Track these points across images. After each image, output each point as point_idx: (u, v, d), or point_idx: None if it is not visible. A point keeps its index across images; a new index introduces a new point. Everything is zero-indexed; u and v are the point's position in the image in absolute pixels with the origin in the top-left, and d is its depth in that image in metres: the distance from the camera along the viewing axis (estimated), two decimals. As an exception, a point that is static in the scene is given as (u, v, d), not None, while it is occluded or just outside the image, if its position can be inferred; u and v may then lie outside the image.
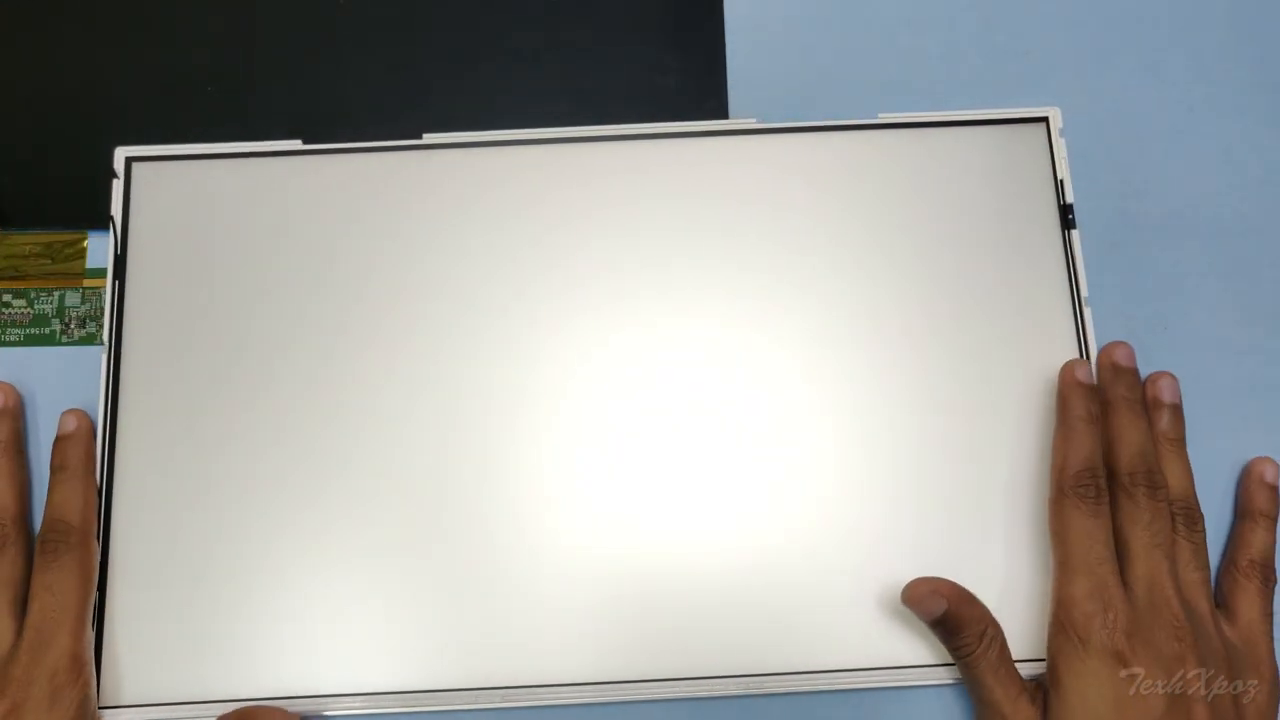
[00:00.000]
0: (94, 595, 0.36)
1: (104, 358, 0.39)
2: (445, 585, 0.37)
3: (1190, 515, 0.37)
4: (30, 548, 0.37)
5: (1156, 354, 0.41)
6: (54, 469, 0.37)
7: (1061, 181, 0.41)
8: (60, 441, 0.38)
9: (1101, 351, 0.39)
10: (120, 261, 0.40)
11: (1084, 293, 0.40)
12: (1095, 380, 0.38)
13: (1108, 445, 0.37)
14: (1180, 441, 0.38)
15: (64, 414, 0.38)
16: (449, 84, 0.43)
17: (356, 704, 0.36)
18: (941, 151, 0.41)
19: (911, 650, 0.37)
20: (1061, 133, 0.41)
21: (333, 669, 0.36)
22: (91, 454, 0.38)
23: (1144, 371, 0.39)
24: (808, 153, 0.41)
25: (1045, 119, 0.42)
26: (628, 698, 0.36)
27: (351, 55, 0.43)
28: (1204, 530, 0.37)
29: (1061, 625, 0.35)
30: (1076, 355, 0.39)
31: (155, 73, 0.43)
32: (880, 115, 0.42)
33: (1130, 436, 0.37)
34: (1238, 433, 0.40)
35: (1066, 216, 0.41)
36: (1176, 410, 0.38)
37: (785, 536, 0.38)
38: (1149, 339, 0.41)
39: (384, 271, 0.40)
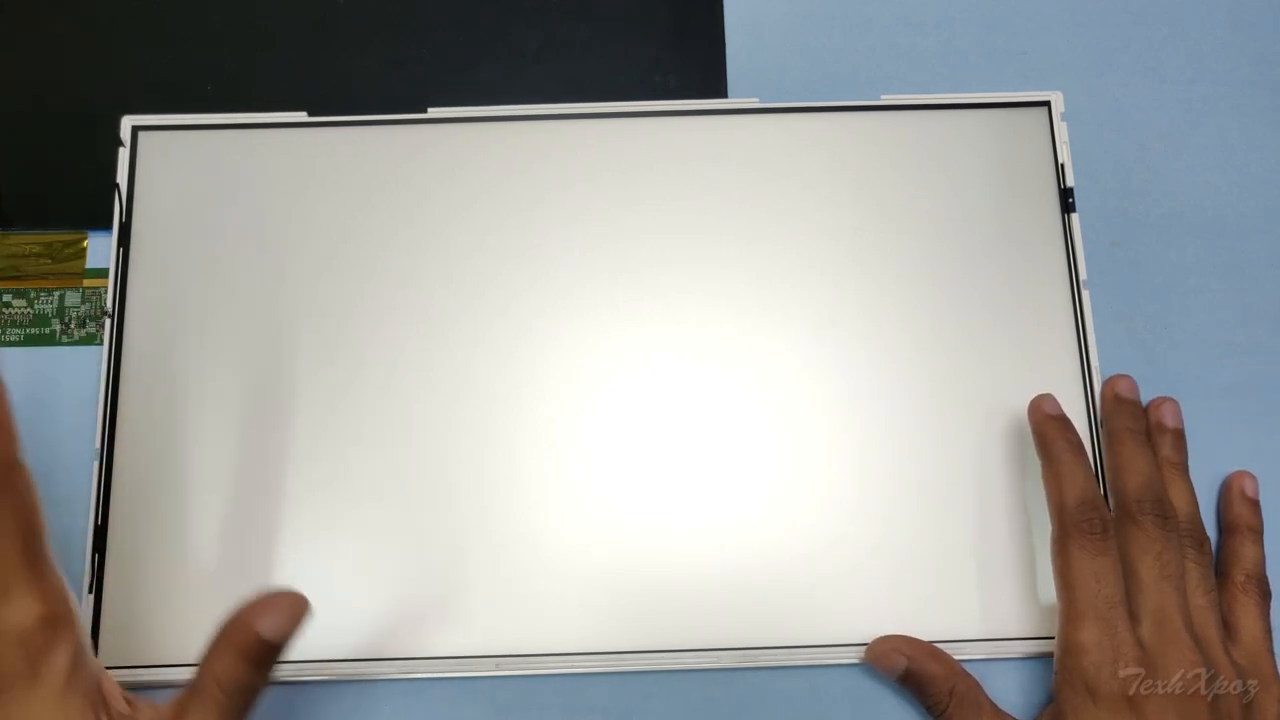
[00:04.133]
0: (43, 530, 0.29)
1: (107, 326, 0.39)
2: (446, 563, 0.37)
3: (1197, 538, 0.36)
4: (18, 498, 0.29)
5: (1157, 353, 0.41)
6: None
7: (1062, 165, 0.41)
8: None
9: (1104, 384, 0.39)
10: (125, 230, 0.40)
11: (1083, 276, 0.40)
12: (1065, 411, 0.37)
13: (1113, 475, 0.37)
14: (1183, 466, 0.38)
15: None
16: (448, 83, 0.43)
17: (356, 669, 0.36)
18: (943, 135, 0.41)
19: (905, 630, 0.37)
20: (1064, 116, 0.42)
21: (332, 637, 0.37)
22: None
23: (1143, 371, 0.40)
24: (808, 133, 0.41)
25: (1047, 103, 0.42)
26: (619, 668, 0.37)
27: (350, 55, 0.43)
28: (1211, 554, 0.37)
29: (1070, 676, 0.34)
30: (1075, 339, 0.39)
31: (155, 73, 0.43)
32: (883, 96, 0.42)
33: (1137, 465, 0.36)
34: (1239, 432, 0.40)
35: (1067, 200, 0.41)
36: (1179, 435, 0.38)
37: (788, 525, 0.38)
38: (1149, 338, 0.41)
39: (389, 252, 0.40)
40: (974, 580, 0.37)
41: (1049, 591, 0.37)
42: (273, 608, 0.30)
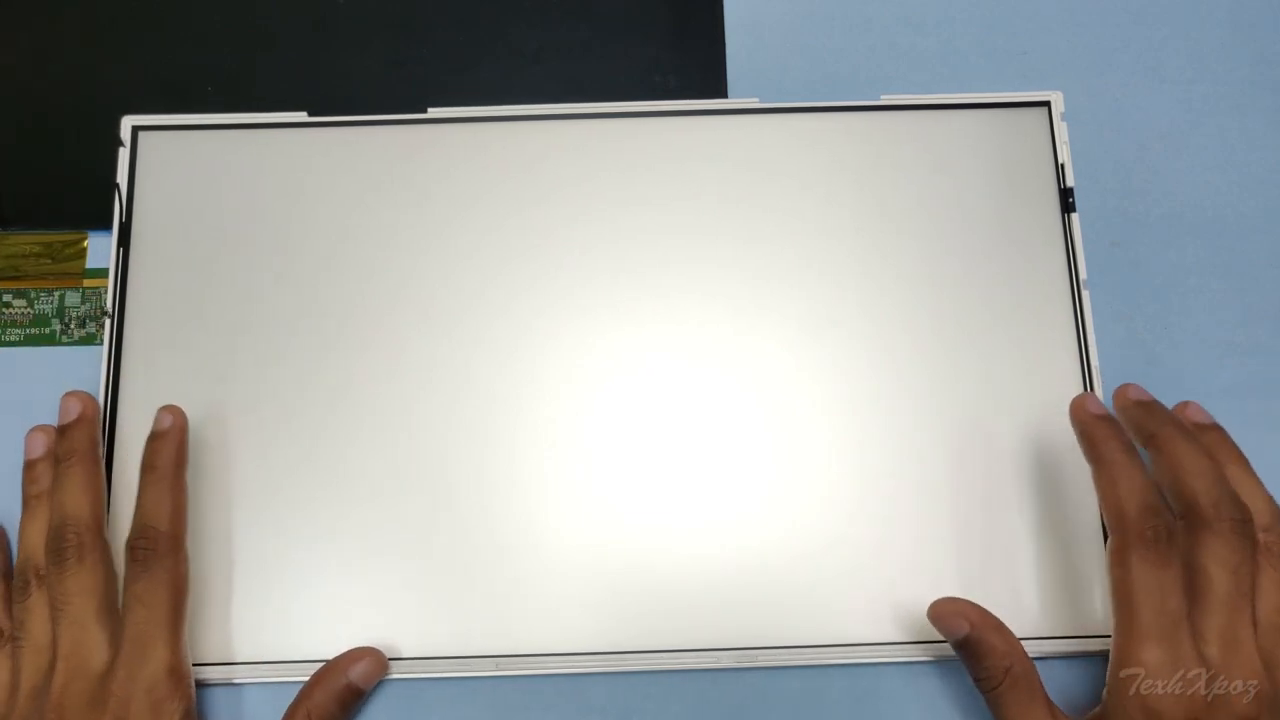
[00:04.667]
0: (188, 602, 0.35)
1: (107, 326, 0.39)
2: (446, 563, 0.37)
3: None
4: (110, 554, 0.36)
5: (1157, 353, 0.41)
6: (144, 468, 0.36)
7: (1062, 165, 0.41)
8: (152, 440, 0.36)
9: (1115, 395, 0.37)
10: (125, 230, 0.40)
11: (1083, 276, 0.40)
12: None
13: (1172, 479, 0.33)
14: (1245, 460, 0.35)
15: (160, 410, 0.37)
16: (448, 83, 0.43)
17: None
18: (943, 135, 0.41)
19: (905, 629, 0.37)
20: (1064, 116, 0.42)
21: (332, 637, 0.37)
22: (184, 454, 0.37)
23: (1143, 371, 0.40)
24: (808, 133, 0.41)
25: (1047, 103, 0.42)
26: (619, 668, 0.37)
27: (350, 55, 0.43)
28: None
29: (1126, 698, 0.31)
30: (1075, 339, 0.39)
31: (155, 73, 0.43)
32: (883, 96, 0.42)
33: (1198, 464, 0.33)
34: (1238, 433, 0.40)
35: (1067, 200, 0.41)
36: (1221, 430, 0.36)
37: (788, 525, 0.38)
38: (1149, 338, 0.41)
39: (389, 252, 0.40)
40: (974, 581, 0.37)
41: (1050, 592, 0.37)
42: (362, 659, 0.36)
